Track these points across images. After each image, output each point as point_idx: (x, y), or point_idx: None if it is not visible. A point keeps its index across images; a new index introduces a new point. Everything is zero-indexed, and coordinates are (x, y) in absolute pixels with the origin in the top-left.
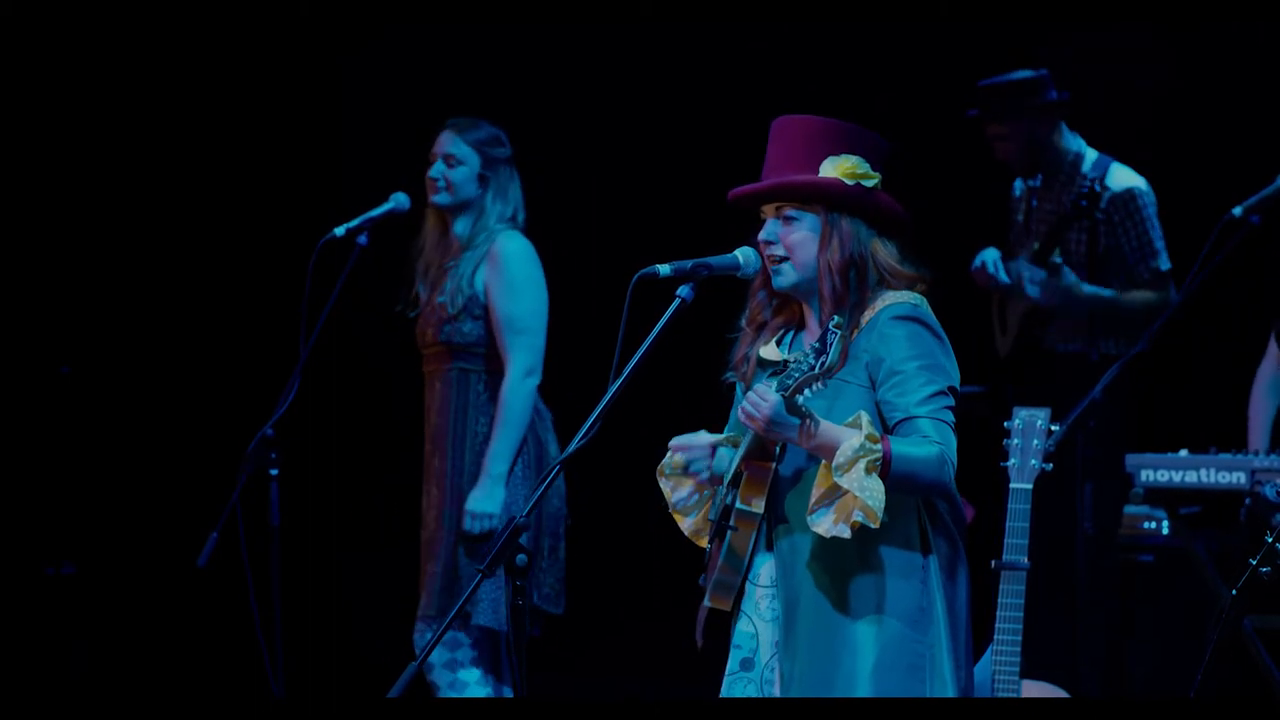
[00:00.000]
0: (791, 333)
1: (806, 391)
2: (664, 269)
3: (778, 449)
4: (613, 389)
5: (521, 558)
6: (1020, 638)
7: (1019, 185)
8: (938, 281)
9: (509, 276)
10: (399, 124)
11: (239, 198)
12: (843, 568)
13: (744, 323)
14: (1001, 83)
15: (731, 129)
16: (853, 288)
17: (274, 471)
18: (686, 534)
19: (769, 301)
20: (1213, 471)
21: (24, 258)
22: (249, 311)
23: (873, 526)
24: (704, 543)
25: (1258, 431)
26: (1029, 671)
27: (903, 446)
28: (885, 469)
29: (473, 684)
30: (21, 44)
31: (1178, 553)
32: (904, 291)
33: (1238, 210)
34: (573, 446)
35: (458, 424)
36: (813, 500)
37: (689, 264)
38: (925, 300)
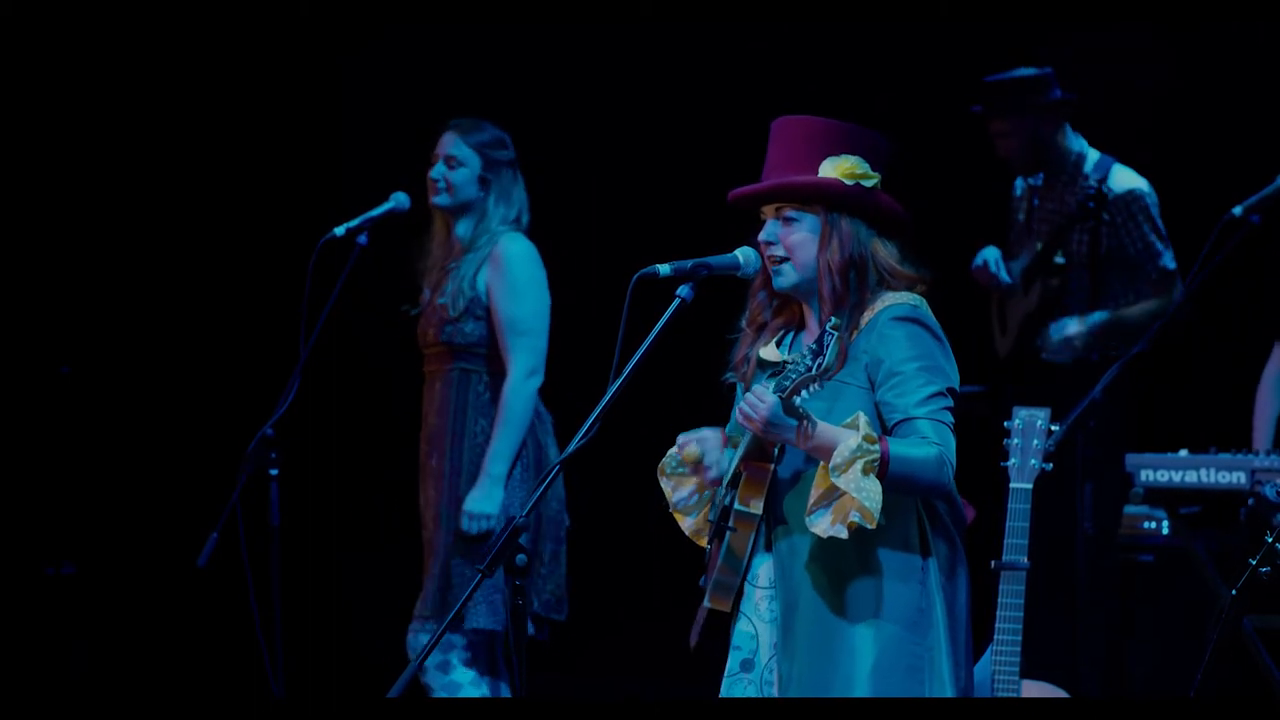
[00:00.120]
0: (792, 333)
1: (804, 392)
2: (664, 269)
3: (776, 450)
4: (612, 389)
5: (521, 557)
6: (1020, 638)
7: (1020, 184)
8: (938, 281)
9: (511, 278)
10: (399, 124)
11: (239, 198)
12: (841, 569)
13: (744, 323)
14: (1005, 79)
15: (731, 129)
16: (852, 288)
17: (274, 471)
18: (688, 534)
19: (769, 302)
20: (1213, 471)
21: (24, 258)
22: (249, 311)
23: (869, 527)
24: (705, 543)
25: (1262, 432)
26: (1029, 671)
27: (901, 447)
28: (883, 470)
29: (466, 685)
30: (21, 44)
31: (1178, 553)
32: (904, 292)
33: (1238, 210)
34: (572, 446)
35: (457, 424)
36: (811, 501)
37: (689, 264)
38: (925, 301)
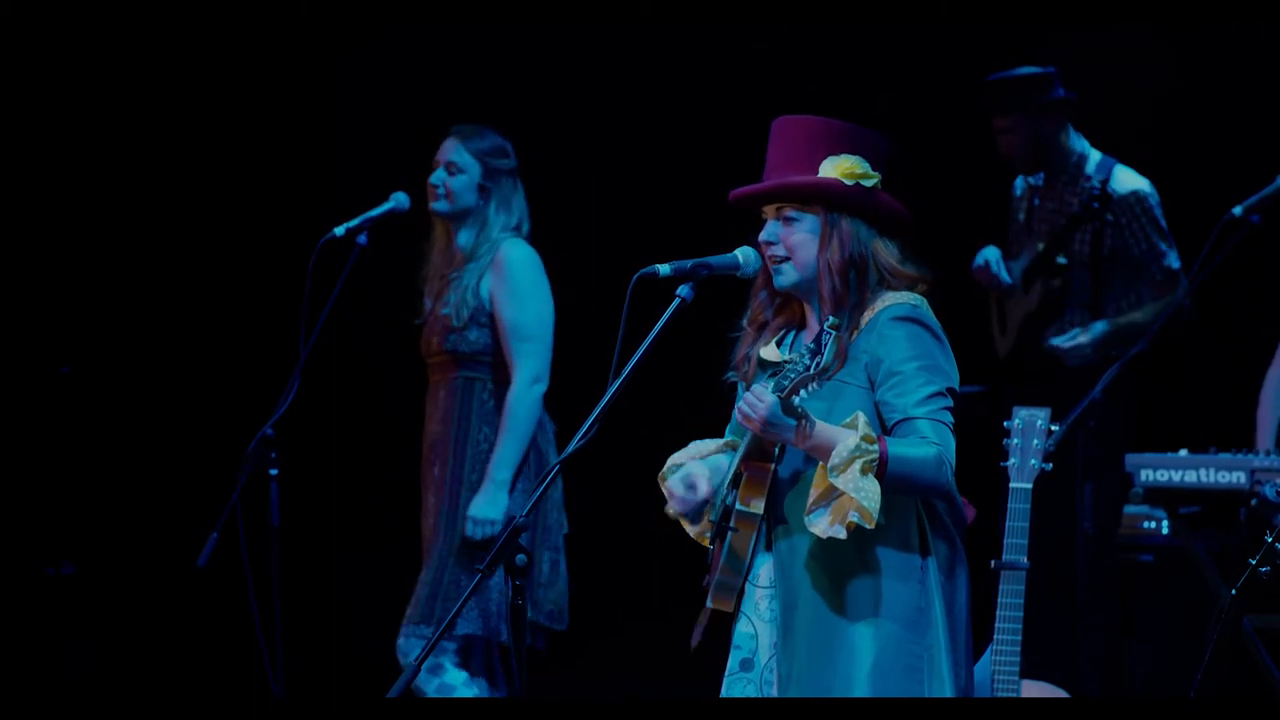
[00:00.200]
0: (793, 333)
1: (803, 392)
2: (664, 269)
3: (776, 450)
4: (612, 389)
5: (521, 558)
6: (1020, 638)
7: (1020, 184)
8: (938, 281)
9: (514, 284)
10: (399, 124)
11: (239, 198)
12: (841, 569)
13: (745, 322)
14: (1009, 77)
15: (731, 129)
16: (853, 288)
17: (274, 471)
18: (693, 536)
19: (770, 301)
20: (1212, 471)
21: (24, 257)
22: (249, 311)
23: (868, 527)
24: (709, 543)
25: (1265, 433)
26: (1029, 671)
27: (900, 447)
28: (881, 470)
29: (460, 685)
30: (21, 44)
31: (1178, 553)
32: (904, 292)
33: (1238, 210)
34: (572, 447)
35: (460, 432)
36: (810, 501)
37: (689, 264)
38: (925, 301)
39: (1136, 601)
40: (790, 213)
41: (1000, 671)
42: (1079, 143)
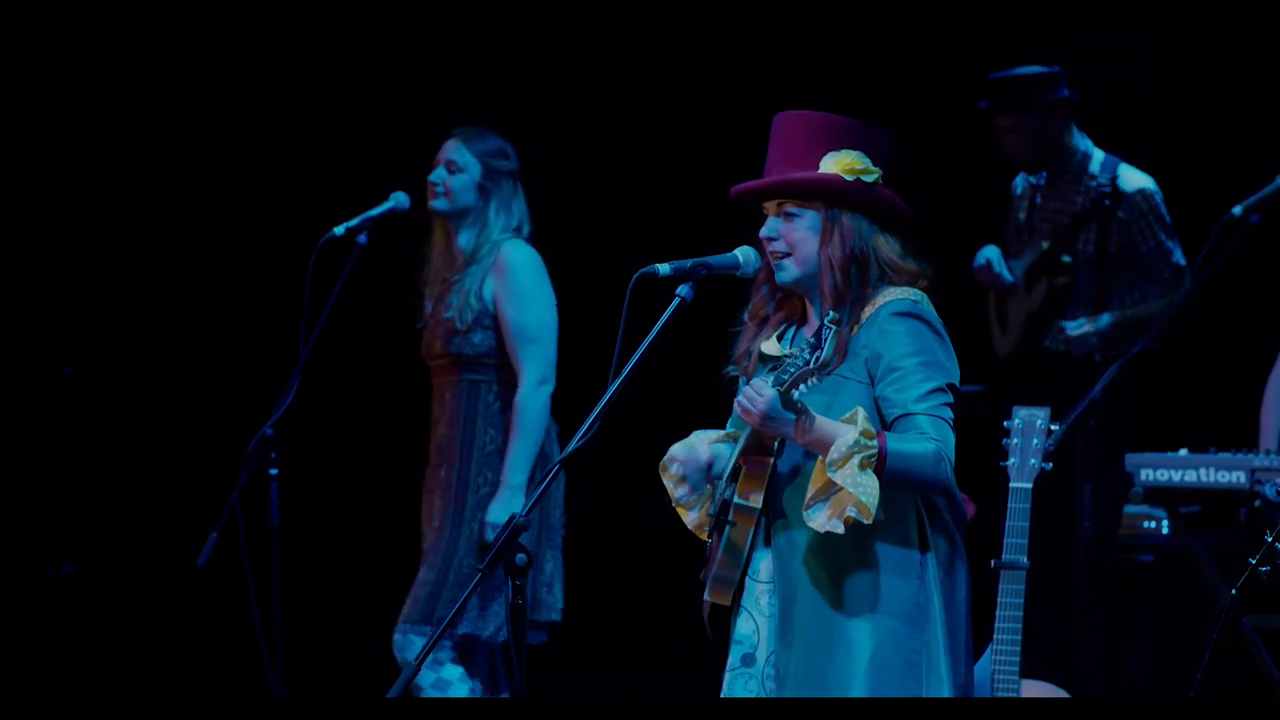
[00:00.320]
0: (794, 328)
1: (802, 386)
2: (664, 268)
3: (776, 444)
4: (612, 388)
5: (521, 557)
6: (1020, 637)
7: (1020, 183)
8: (937, 279)
9: (516, 286)
10: (399, 124)
11: (239, 197)
12: (839, 564)
13: (746, 317)
14: (1012, 76)
15: (731, 128)
16: (854, 283)
17: (274, 471)
18: (691, 528)
19: (771, 296)
20: (1213, 471)
21: (24, 257)
22: (249, 311)
23: (866, 522)
24: (707, 537)
25: (1269, 433)
26: (1029, 671)
27: (899, 443)
28: (880, 465)
29: (455, 681)
30: (21, 44)
31: (1178, 552)
32: (905, 288)
33: (1238, 210)
34: (572, 446)
35: (466, 434)
36: (808, 496)
37: (689, 263)
38: (926, 296)
39: (1136, 601)
40: (791, 208)
41: (1000, 671)
42: (1082, 142)
